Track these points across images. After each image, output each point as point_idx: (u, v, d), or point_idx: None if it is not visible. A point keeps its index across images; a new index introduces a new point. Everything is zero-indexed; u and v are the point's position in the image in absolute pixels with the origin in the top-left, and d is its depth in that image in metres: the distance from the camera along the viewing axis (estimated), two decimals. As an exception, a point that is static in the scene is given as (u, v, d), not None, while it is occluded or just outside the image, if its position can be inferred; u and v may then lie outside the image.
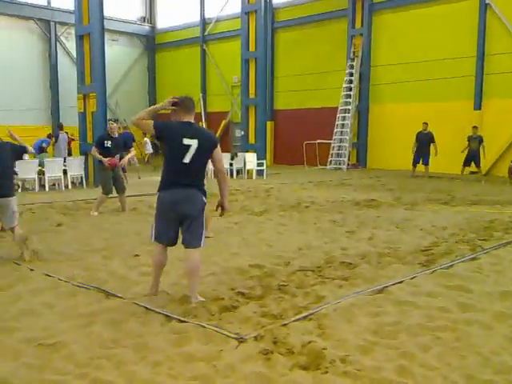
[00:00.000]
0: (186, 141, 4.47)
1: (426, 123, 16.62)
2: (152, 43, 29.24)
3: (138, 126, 4.74)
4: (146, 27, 28.98)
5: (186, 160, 4.46)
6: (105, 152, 9.89)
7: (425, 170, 16.55)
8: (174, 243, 4.71)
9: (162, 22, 29.20)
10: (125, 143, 10.56)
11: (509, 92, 17.23)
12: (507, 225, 8.45)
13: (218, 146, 4.68)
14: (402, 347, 3.69)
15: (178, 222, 4.58)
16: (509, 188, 14.09)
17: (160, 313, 4.35)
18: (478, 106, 17.96)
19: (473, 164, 16.17)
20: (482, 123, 17.78)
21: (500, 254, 6.51)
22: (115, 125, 10.37)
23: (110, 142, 9.89)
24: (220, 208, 4.75)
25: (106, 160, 9.68)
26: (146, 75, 29.31)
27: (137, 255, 6.43)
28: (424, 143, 16.44)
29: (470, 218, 9.18)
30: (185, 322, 4.15)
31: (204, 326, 4.02)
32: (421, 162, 16.64)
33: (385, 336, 3.92)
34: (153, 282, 4.86)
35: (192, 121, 4.66)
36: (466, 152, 16.03)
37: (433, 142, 16.36)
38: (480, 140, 15.85)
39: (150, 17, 29.32)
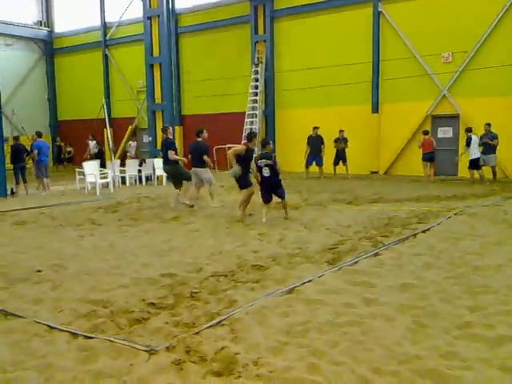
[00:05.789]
0: None
1: (317, 127, 17.46)
2: (50, 48, 27.90)
3: None
4: (44, 31, 27.59)
5: None
6: None
7: (319, 170, 17.27)
8: None
9: (60, 26, 27.94)
10: None
11: (402, 96, 18.38)
12: (404, 221, 8.99)
13: None
14: (312, 345, 3.79)
15: None
16: (406, 185, 14.99)
17: (65, 330, 4.14)
18: (375, 109, 18.97)
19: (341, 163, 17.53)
20: (380, 125, 18.84)
21: (399, 248, 6.92)
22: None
23: None
24: None
25: None
26: (45, 81, 27.91)
27: (39, 271, 6.08)
28: (316, 146, 17.29)
29: (371, 215, 9.66)
30: (92, 337, 3.99)
31: (112, 341, 3.88)
32: (314, 163, 17.42)
33: (295, 335, 4.00)
34: None
35: None
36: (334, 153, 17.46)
37: (323, 143, 17.30)
38: (345, 141, 17.34)
39: (47, 20, 27.97)
